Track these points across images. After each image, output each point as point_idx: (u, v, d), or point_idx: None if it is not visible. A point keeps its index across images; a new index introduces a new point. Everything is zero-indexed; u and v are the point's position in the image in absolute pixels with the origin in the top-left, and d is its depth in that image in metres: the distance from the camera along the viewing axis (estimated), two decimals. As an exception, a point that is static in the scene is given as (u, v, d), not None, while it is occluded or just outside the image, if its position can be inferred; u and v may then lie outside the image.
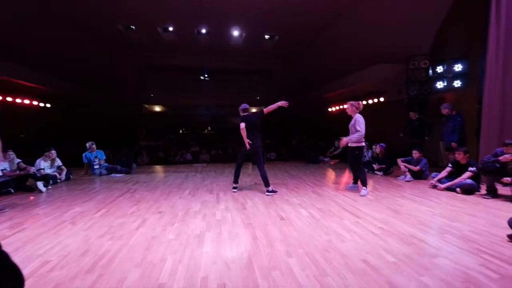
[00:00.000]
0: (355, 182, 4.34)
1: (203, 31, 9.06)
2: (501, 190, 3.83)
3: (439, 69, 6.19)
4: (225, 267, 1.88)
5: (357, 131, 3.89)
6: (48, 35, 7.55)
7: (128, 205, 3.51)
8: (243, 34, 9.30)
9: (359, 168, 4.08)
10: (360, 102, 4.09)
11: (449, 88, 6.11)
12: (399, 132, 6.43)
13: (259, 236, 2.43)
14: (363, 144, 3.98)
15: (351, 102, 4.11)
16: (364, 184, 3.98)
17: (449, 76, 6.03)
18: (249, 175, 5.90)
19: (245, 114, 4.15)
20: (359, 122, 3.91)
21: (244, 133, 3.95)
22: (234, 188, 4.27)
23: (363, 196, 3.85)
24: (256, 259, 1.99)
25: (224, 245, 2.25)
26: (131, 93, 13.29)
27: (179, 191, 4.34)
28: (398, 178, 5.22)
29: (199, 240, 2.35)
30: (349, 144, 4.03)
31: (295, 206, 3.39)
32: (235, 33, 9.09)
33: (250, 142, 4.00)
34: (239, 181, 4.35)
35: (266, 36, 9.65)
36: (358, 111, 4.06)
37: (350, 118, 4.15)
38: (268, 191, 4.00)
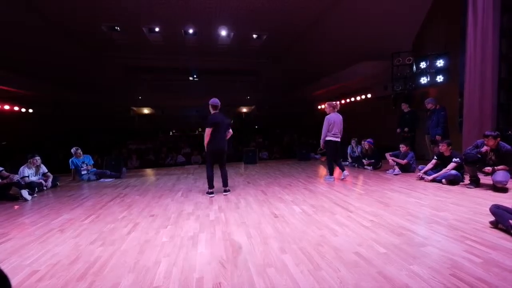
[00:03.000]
0: (342, 170, 4.88)
1: (190, 31, 8.97)
2: (483, 179, 4.01)
3: (422, 65, 6.40)
4: (220, 266, 1.89)
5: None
6: (30, 38, 7.27)
7: (119, 210, 3.44)
8: (231, 34, 9.26)
9: (329, 159, 4.87)
10: (337, 102, 4.74)
11: (432, 83, 6.33)
12: (397, 129, 6.35)
13: (253, 234, 2.45)
14: (331, 138, 4.63)
15: (328, 102, 4.74)
16: (330, 173, 4.81)
17: (431, 71, 6.24)
18: (241, 174, 5.90)
19: (215, 112, 3.90)
20: (324, 121, 4.62)
21: (208, 137, 3.80)
22: (211, 193, 3.96)
23: (325, 180, 4.71)
24: (251, 257, 2.00)
25: (219, 245, 2.25)
26: (118, 96, 13.01)
27: (171, 193, 4.29)
28: (387, 172, 5.36)
29: (193, 242, 2.34)
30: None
31: (288, 203, 3.42)
32: (223, 33, 9.04)
33: (209, 143, 3.82)
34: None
35: (254, 36, 9.66)
36: (336, 110, 4.68)
37: (341, 112, 4.77)
38: (225, 191, 4.05)
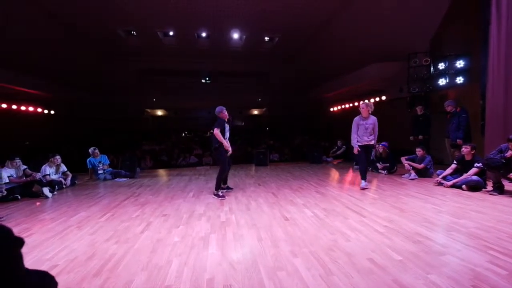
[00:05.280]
0: (365, 179, 4.39)
1: (203, 34, 9.13)
2: (508, 186, 3.79)
3: (441, 66, 6.16)
4: (230, 268, 1.89)
5: (375, 131, 4.33)
6: (48, 42, 7.66)
7: (133, 209, 3.54)
8: (243, 37, 9.34)
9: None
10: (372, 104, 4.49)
11: (451, 85, 6.08)
12: (410, 136, 6.16)
13: (264, 237, 2.43)
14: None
15: (367, 102, 4.40)
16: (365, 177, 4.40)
17: (451, 72, 5.99)
18: (252, 176, 5.91)
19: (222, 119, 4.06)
20: (377, 123, 4.35)
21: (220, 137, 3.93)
22: (224, 190, 4.27)
23: (364, 188, 4.23)
24: (262, 260, 1.99)
25: (229, 247, 2.25)
26: (133, 98, 13.40)
27: (183, 194, 4.35)
28: (402, 176, 5.18)
29: (204, 242, 2.36)
30: (368, 142, 4.35)
31: (299, 207, 3.38)
32: (235, 35, 9.14)
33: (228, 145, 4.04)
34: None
35: (266, 38, 9.69)
36: (371, 111, 4.40)
37: (354, 114, 4.52)
38: (214, 194, 4.02)
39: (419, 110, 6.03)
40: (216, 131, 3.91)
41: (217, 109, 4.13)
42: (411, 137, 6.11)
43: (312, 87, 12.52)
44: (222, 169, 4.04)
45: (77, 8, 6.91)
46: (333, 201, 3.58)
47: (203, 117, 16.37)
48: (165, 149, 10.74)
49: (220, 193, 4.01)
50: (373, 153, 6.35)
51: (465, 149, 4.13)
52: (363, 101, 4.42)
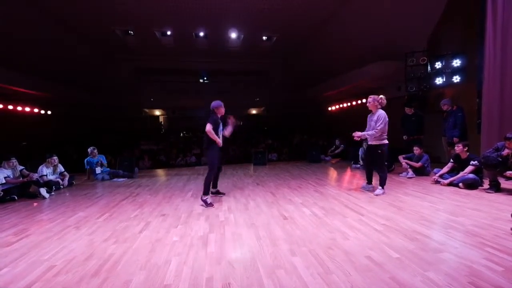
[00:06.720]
0: (369, 182, 4.09)
1: (201, 34, 9.11)
2: (504, 184, 3.83)
3: (438, 65, 6.19)
4: (229, 267, 1.89)
5: (375, 127, 3.77)
6: (45, 41, 7.60)
7: (131, 208, 3.53)
8: (241, 36, 9.33)
9: (382, 167, 3.85)
10: (383, 97, 3.93)
11: (448, 84, 6.11)
12: (403, 135, 6.06)
13: (263, 236, 2.44)
14: (387, 142, 3.81)
15: (374, 96, 3.94)
16: (383, 184, 3.82)
17: (447, 71, 6.02)
18: (251, 176, 5.91)
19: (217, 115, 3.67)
20: (381, 118, 3.77)
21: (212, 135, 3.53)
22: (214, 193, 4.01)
23: (377, 195, 3.71)
24: (260, 258, 2.00)
25: (228, 246, 2.25)
26: (131, 97, 13.34)
27: (182, 193, 4.35)
28: (400, 175, 5.21)
29: (203, 241, 2.36)
30: (370, 142, 3.88)
31: (298, 205, 3.39)
32: (233, 35, 9.12)
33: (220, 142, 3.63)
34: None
35: (264, 37, 9.69)
36: (380, 106, 3.91)
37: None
38: (202, 200, 3.54)
39: (408, 110, 5.88)
40: (209, 128, 3.43)
41: (214, 103, 3.65)
42: (404, 137, 6.05)
43: (311, 86, 12.54)
44: (212, 171, 3.61)
45: (76, 8, 6.86)
46: (331, 200, 3.60)
47: (201, 117, 16.31)
48: (163, 149, 10.71)
49: (208, 200, 3.50)
50: (360, 151, 6.36)
51: (458, 148, 4.19)
52: (371, 96, 3.95)
